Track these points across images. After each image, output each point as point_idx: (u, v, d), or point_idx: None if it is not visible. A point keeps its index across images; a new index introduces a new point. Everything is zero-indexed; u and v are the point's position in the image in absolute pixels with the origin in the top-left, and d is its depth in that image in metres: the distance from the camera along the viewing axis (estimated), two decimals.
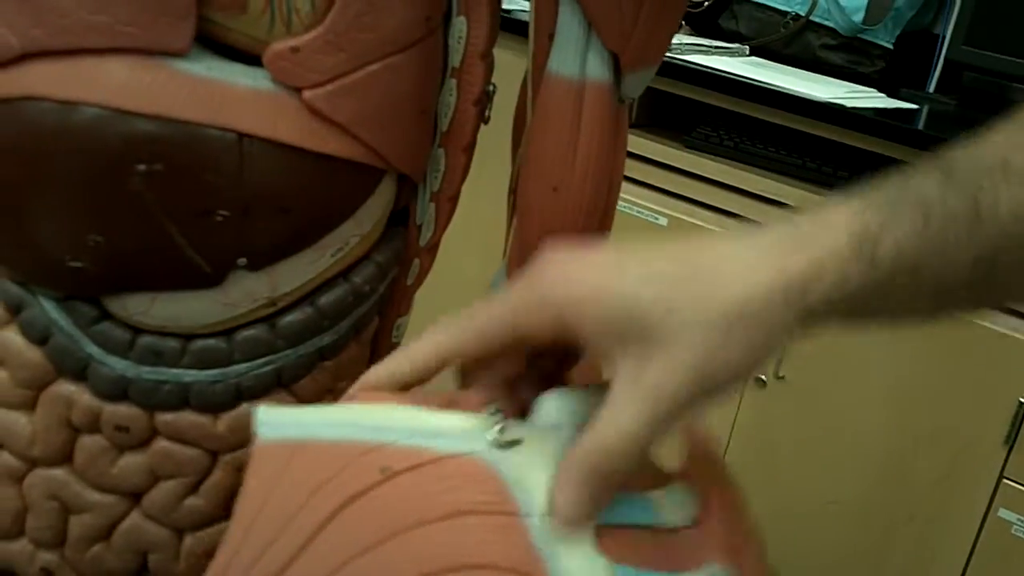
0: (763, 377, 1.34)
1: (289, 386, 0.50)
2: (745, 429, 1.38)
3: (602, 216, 0.56)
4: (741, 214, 1.39)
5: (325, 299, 0.49)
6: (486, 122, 0.54)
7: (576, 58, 0.52)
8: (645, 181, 1.46)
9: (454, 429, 0.37)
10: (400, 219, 0.53)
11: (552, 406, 0.40)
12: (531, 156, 0.54)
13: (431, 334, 0.41)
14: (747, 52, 1.69)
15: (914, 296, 0.38)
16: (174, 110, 0.43)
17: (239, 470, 0.50)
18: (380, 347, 0.56)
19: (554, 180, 0.53)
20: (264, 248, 0.46)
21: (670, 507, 0.39)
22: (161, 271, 0.46)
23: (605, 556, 0.36)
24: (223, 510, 0.50)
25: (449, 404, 0.40)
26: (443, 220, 0.55)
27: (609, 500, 0.37)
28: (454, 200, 0.55)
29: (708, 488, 0.41)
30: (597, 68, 0.52)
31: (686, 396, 0.36)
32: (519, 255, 0.57)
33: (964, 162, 0.38)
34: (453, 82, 0.52)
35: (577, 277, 0.39)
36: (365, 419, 0.38)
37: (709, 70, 1.43)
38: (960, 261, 0.37)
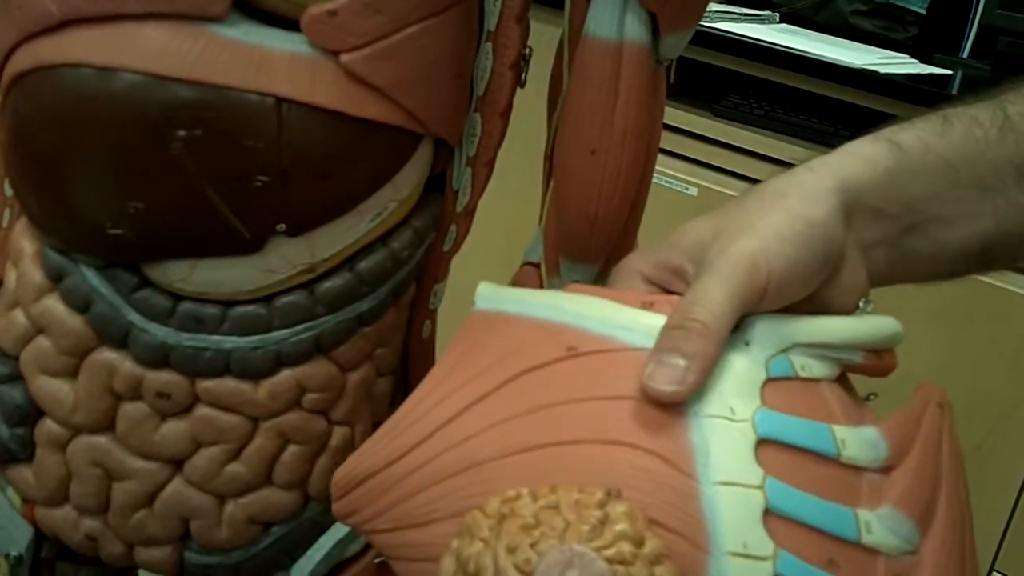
0: None
1: (329, 352, 0.50)
2: None
3: (640, 180, 0.55)
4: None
5: (364, 265, 0.49)
6: (522, 86, 0.54)
7: (614, 19, 0.51)
8: (674, 151, 1.45)
9: (644, 327, 0.39)
10: (437, 184, 0.53)
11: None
12: (568, 119, 0.53)
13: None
14: (777, 19, 1.67)
15: (954, 184, 0.40)
16: (213, 75, 0.43)
17: (280, 436, 0.50)
18: (417, 313, 0.56)
19: (592, 143, 0.52)
20: (303, 213, 0.46)
21: (855, 444, 0.38)
22: (201, 237, 0.46)
23: (762, 466, 0.36)
24: (265, 477, 0.51)
25: (646, 305, 0.41)
26: (479, 185, 0.54)
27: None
28: (490, 165, 0.54)
29: (914, 443, 0.40)
30: (635, 29, 0.51)
31: (752, 274, 0.39)
32: (557, 220, 0.57)
33: (985, 95, 0.42)
34: (489, 46, 0.51)
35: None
36: (569, 305, 0.41)
37: (739, 37, 1.41)
38: (996, 161, 0.38)
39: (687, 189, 1.43)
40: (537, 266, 0.59)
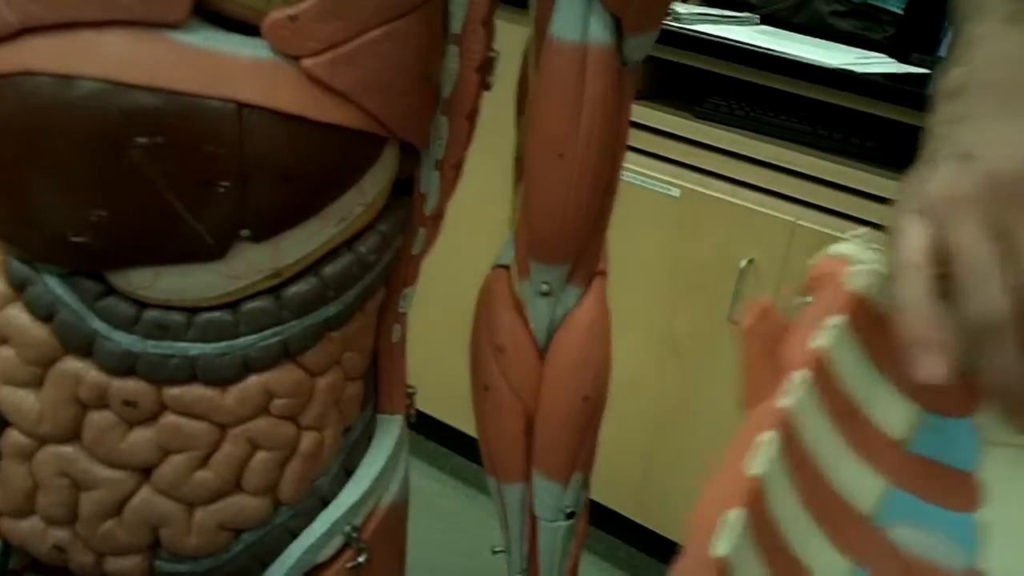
0: None
1: (296, 357, 0.49)
2: None
3: (608, 182, 0.55)
4: (754, 183, 1.38)
5: (330, 269, 0.49)
6: (488, 88, 0.54)
7: (577, 22, 0.51)
8: (656, 153, 1.45)
9: None
10: (404, 188, 0.53)
11: None
12: (536, 122, 0.53)
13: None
14: (757, 20, 1.67)
15: None
16: (173, 82, 0.43)
17: (249, 442, 0.50)
18: (387, 317, 0.55)
19: (559, 146, 0.53)
20: (267, 218, 0.46)
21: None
22: (164, 244, 0.45)
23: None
24: (234, 483, 0.50)
25: None
26: (447, 188, 0.54)
27: None
28: (458, 168, 0.54)
29: None
30: (599, 31, 0.51)
31: None
32: (527, 223, 0.57)
33: None
34: (455, 48, 0.51)
35: None
36: None
37: (719, 39, 1.41)
38: None
39: (669, 190, 1.43)
40: (508, 268, 0.59)
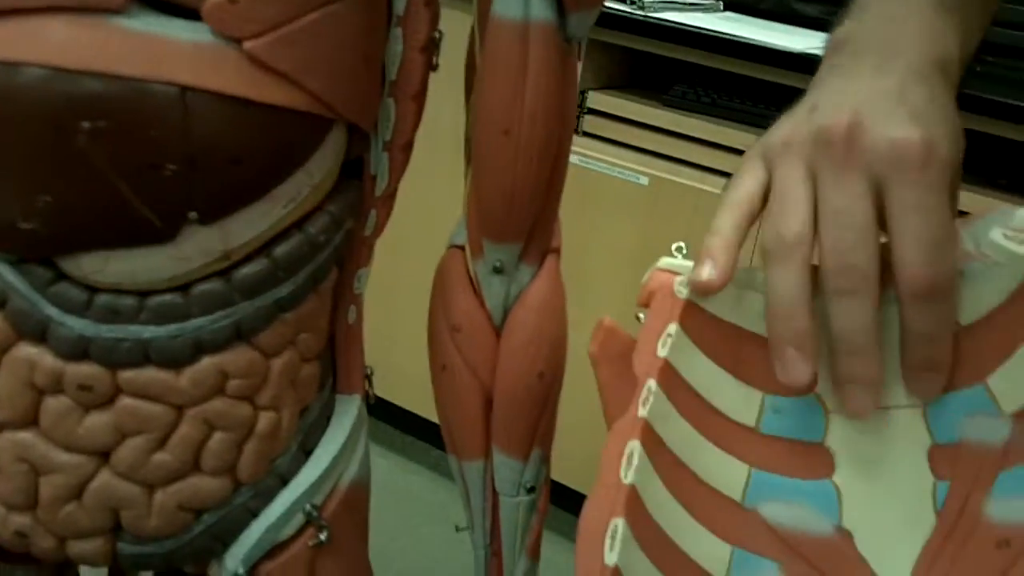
0: None
1: (249, 339, 0.50)
2: None
3: (555, 160, 0.56)
4: (723, 170, 1.39)
5: (280, 250, 0.50)
6: (434, 69, 0.54)
7: (519, 0, 0.52)
8: (624, 142, 1.46)
9: None
10: (354, 170, 0.54)
11: None
12: (480, 101, 0.54)
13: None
14: (721, 7, 1.69)
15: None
16: (116, 66, 0.43)
17: (205, 423, 0.50)
18: (341, 299, 0.56)
19: (504, 123, 0.53)
20: (214, 201, 0.47)
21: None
22: (113, 228, 0.46)
23: None
24: (192, 464, 0.51)
25: None
26: (397, 170, 0.55)
27: None
28: (407, 149, 0.55)
29: None
30: (541, 9, 0.52)
31: None
32: (476, 202, 0.57)
33: None
34: (399, 30, 0.52)
35: None
36: None
37: (684, 27, 1.42)
38: None
39: (638, 179, 1.44)
40: (463, 248, 0.60)
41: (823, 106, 0.41)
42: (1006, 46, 1.36)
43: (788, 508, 0.40)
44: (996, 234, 0.40)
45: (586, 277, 1.43)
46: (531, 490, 0.62)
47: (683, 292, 0.41)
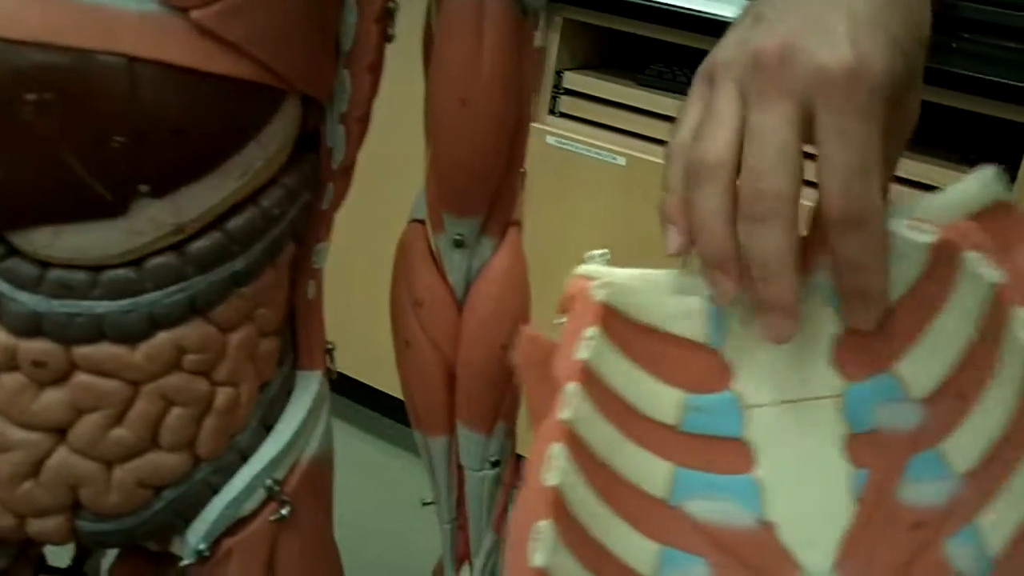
0: None
1: (205, 313, 0.50)
2: None
3: (514, 130, 0.56)
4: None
5: (234, 223, 0.49)
6: (390, 40, 0.54)
7: None
8: (600, 122, 1.46)
9: None
10: (310, 143, 0.53)
11: None
12: (437, 70, 0.54)
13: None
14: None
15: None
16: (61, 37, 0.43)
17: (162, 399, 0.50)
18: (300, 273, 0.56)
19: (461, 92, 0.53)
20: (165, 173, 0.46)
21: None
22: (62, 202, 0.46)
23: None
24: (150, 440, 0.51)
25: None
26: (354, 142, 0.55)
27: None
28: (364, 121, 0.55)
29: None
30: None
31: None
32: (435, 175, 0.57)
33: None
34: (352, 1, 0.52)
35: None
36: None
37: (660, 6, 1.42)
38: None
39: (615, 159, 1.44)
40: (423, 222, 0.60)
41: (764, 21, 0.40)
42: (981, 22, 1.36)
43: (712, 504, 0.41)
44: (899, 225, 0.40)
45: (563, 257, 1.43)
46: (496, 464, 0.62)
47: (600, 295, 0.41)
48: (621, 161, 1.44)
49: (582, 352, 0.40)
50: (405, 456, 1.68)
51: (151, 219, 0.47)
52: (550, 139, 1.46)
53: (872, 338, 0.41)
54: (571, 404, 0.39)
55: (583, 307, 0.41)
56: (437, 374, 0.60)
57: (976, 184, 0.40)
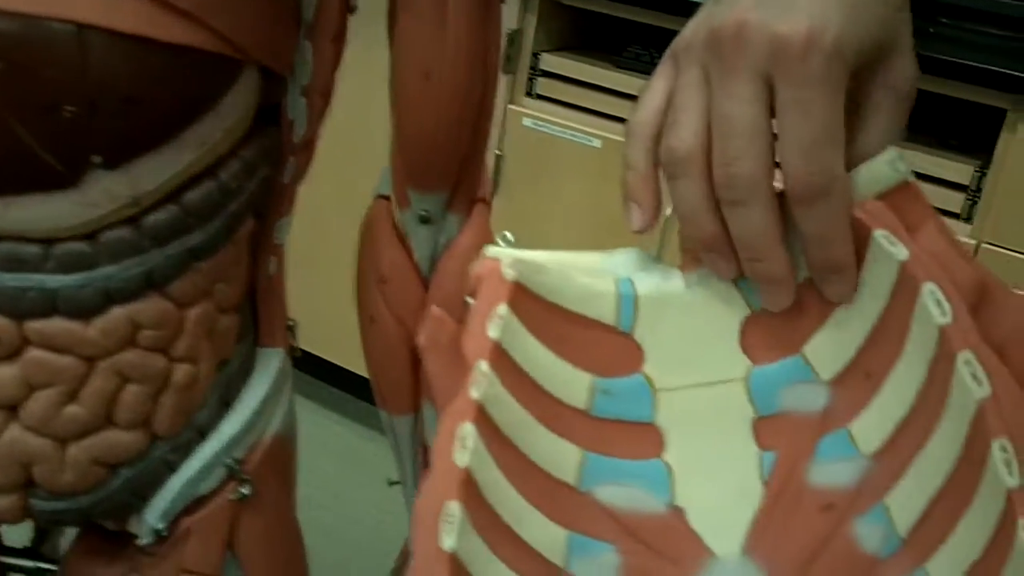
0: None
1: (161, 288, 0.49)
2: None
3: (479, 104, 0.55)
4: None
5: (191, 197, 0.48)
6: (352, 11, 0.53)
7: None
8: (577, 104, 1.45)
9: None
10: (271, 116, 0.52)
11: None
12: (400, 42, 0.53)
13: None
14: None
15: None
16: (9, 2, 0.42)
17: (118, 375, 0.49)
18: (260, 249, 0.55)
19: (425, 65, 0.52)
20: (117, 144, 0.45)
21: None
22: (12, 173, 0.44)
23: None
24: (105, 417, 0.50)
25: None
26: (316, 115, 0.54)
27: None
28: (327, 94, 0.54)
29: None
30: None
31: None
32: (400, 149, 0.56)
33: None
34: None
35: None
36: None
37: None
38: None
39: (590, 141, 1.43)
40: (389, 199, 0.59)
41: (719, 10, 0.39)
42: (959, 7, 1.36)
43: (621, 489, 0.41)
44: None
45: (539, 239, 1.42)
46: None
47: (511, 274, 0.41)
48: (597, 144, 1.43)
49: (493, 330, 0.39)
50: (371, 435, 1.67)
51: (105, 191, 0.46)
52: (526, 121, 1.45)
53: (780, 320, 0.41)
54: (482, 383, 0.38)
55: (494, 286, 0.40)
56: (402, 352, 0.59)
57: (883, 165, 0.40)
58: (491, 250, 0.42)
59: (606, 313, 0.42)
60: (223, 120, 0.48)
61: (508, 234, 0.43)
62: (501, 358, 0.39)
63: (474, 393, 0.38)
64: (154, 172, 0.47)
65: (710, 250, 0.40)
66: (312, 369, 1.68)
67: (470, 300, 0.41)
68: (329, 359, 1.64)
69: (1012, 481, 0.34)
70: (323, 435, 1.67)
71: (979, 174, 1.27)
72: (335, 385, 1.77)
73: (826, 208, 0.38)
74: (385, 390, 0.61)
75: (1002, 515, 0.35)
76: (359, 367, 0.62)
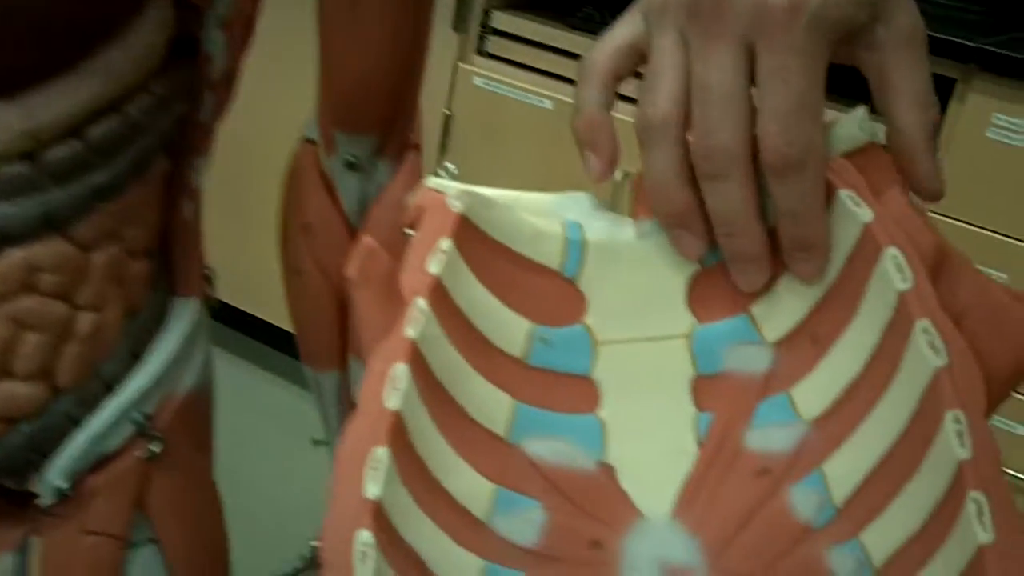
0: None
1: (62, 230, 0.45)
2: None
3: (412, 38, 0.52)
4: (628, 95, 1.36)
5: (95, 132, 0.45)
6: None
7: None
8: (529, 64, 1.42)
9: None
10: (187, 49, 0.49)
11: None
12: None
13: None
14: None
15: None
16: None
17: (15, 323, 0.46)
18: (176, 191, 0.52)
19: None
20: (10, 72, 0.42)
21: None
22: None
23: None
24: (2, 368, 0.46)
25: None
26: (236, 49, 0.51)
27: None
28: (248, 27, 0.51)
29: None
30: None
31: None
32: (325, 89, 0.53)
33: None
34: None
35: None
36: None
37: None
38: None
39: (542, 102, 1.40)
40: (315, 143, 0.56)
41: None
42: None
43: (552, 444, 0.38)
44: None
45: None
46: None
47: (457, 206, 0.38)
48: (549, 105, 1.40)
49: (434, 266, 0.36)
50: (297, 391, 1.63)
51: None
52: (477, 80, 1.42)
53: (730, 278, 0.39)
54: (419, 321, 0.35)
55: (438, 218, 0.38)
56: (327, 304, 0.56)
57: (850, 124, 0.38)
58: (434, 181, 0.39)
59: (551, 257, 0.40)
60: (130, 51, 0.45)
61: (451, 166, 0.40)
62: (440, 297, 0.37)
63: (410, 332, 0.35)
64: (53, 104, 0.43)
65: (680, 224, 0.38)
66: (235, 323, 1.63)
67: (409, 232, 0.38)
68: (252, 312, 1.59)
69: (964, 453, 0.33)
70: (246, 391, 1.62)
71: None
72: (259, 339, 1.72)
73: (801, 181, 0.36)
74: (310, 345, 0.58)
75: (949, 487, 0.33)
76: (284, 321, 0.59)
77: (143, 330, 0.51)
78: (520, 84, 1.41)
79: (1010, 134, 1.25)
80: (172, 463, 0.52)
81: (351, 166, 0.54)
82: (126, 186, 0.47)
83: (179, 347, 0.52)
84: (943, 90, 1.24)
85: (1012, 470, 1.27)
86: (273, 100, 1.00)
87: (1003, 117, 1.25)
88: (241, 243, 1.04)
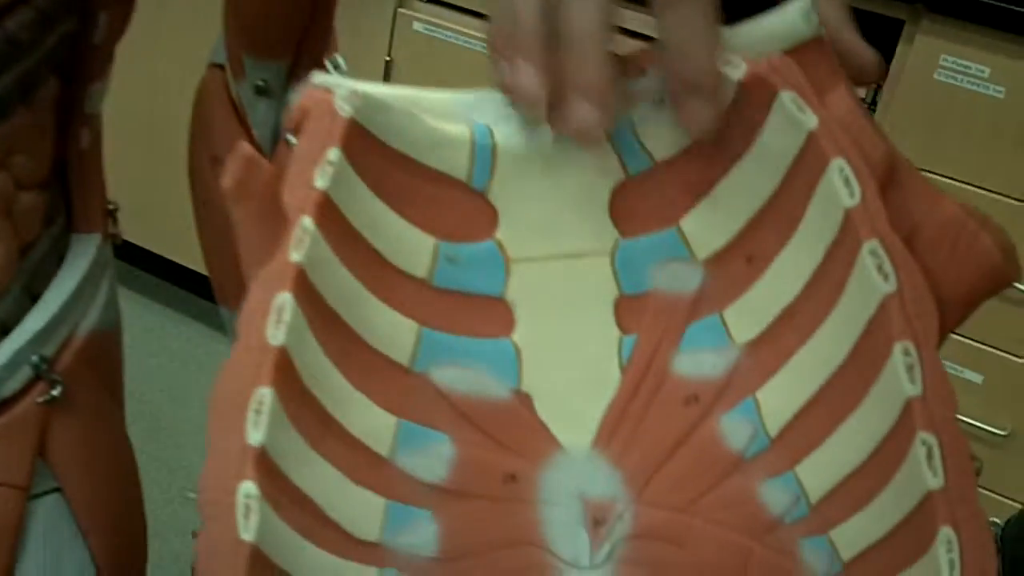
0: None
1: None
2: None
3: None
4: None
5: None
6: None
7: None
8: (469, 8, 1.39)
9: None
10: None
11: None
12: None
13: None
14: None
15: None
16: None
17: None
18: (71, 118, 0.48)
19: None
20: None
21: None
22: None
23: None
24: None
25: None
26: None
27: None
28: None
29: None
30: None
31: None
32: (232, 9, 0.50)
33: None
34: None
35: None
36: None
37: None
38: None
39: (484, 47, 1.37)
40: (224, 68, 0.53)
41: None
42: None
43: (461, 372, 0.35)
44: None
45: None
46: None
47: (346, 109, 0.34)
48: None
49: (321, 179, 0.33)
50: (211, 334, 1.58)
51: None
52: (417, 25, 1.38)
53: (658, 188, 0.36)
54: (305, 243, 0.32)
55: (324, 123, 0.33)
56: None
57: (792, 15, 0.34)
58: (320, 77, 0.34)
59: (457, 165, 0.35)
60: None
61: (340, 58, 0.36)
62: (329, 214, 0.33)
63: (294, 255, 0.32)
64: None
65: (519, 49, 0.32)
66: (148, 264, 1.55)
67: (291, 139, 0.34)
68: (164, 254, 1.52)
69: (913, 389, 0.30)
70: (160, 335, 1.56)
71: (874, 87, 1.25)
72: (174, 282, 1.65)
73: (689, 8, 0.32)
74: (222, 283, 0.56)
75: (895, 425, 0.31)
76: (197, 262, 0.56)
77: (39, 268, 0.48)
78: (461, 29, 1.38)
79: (959, 76, 1.24)
80: (75, 408, 0.49)
81: (261, 92, 0.51)
82: (10, 110, 0.44)
83: (79, 285, 0.49)
84: (891, 32, 1.22)
85: (962, 416, 1.27)
86: (180, 22, 0.95)
87: (951, 59, 1.24)
88: (144, 175, 0.97)
